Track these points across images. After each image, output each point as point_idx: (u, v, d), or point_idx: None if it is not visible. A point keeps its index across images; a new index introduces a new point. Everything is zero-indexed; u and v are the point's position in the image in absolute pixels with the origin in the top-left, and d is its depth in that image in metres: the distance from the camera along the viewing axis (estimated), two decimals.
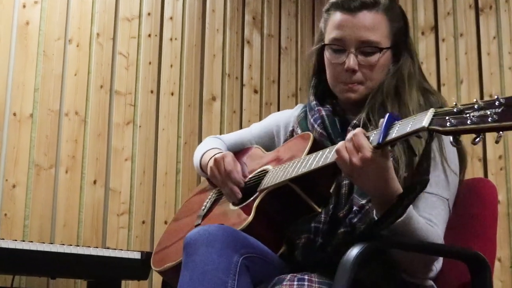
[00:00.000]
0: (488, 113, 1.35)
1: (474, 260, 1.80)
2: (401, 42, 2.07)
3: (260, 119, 5.01)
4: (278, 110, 5.21)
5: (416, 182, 1.56)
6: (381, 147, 1.58)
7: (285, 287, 1.72)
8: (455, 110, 1.42)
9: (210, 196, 2.34)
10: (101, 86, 4.30)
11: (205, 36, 4.93)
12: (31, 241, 3.30)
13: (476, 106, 1.38)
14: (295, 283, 1.73)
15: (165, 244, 2.35)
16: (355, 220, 1.82)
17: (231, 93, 4.97)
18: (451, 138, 1.42)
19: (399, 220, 1.65)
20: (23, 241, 3.27)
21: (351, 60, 1.99)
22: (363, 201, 1.83)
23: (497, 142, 1.36)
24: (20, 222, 3.83)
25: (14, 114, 3.91)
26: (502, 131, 1.33)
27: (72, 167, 4.08)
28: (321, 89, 2.17)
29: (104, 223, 4.15)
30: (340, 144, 1.67)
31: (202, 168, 2.34)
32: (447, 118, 1.42)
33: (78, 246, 3.42)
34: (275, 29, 5.42)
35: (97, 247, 3.48)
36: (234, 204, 2.11)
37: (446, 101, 2.01)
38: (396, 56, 2.06)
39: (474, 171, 4.34)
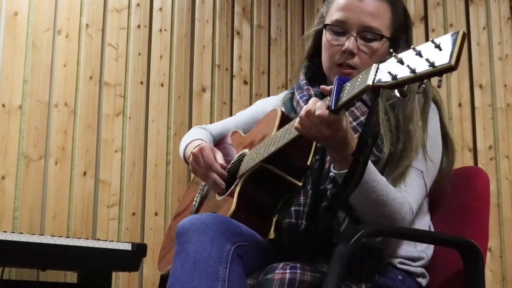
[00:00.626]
0: (425, 58, 1.32)
1: (467, 248, 1.80)
2: (401, 37, 2.08)
3: None
4: None
5: (367, 135, 1.56)
6: (336, 111, 1.60)
7: (278, 275, 1.72)
8: (396, 61, 1.40)
9: (199, 190, 2.34)
10: (91, 77, 4.28)
11: (194, 27, 4.91)
12: (21, 233, 3.28)
13: (414, 53, 1.36)
14: (288, 271, 1.72)
15: (165, 247, 2.35)
16: (330, 187, 1.83)
17: (221, 84, 4.96)
18: (396, 91, 1.41)
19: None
20: (13, 232, 3.25)
21: (351, 42, 2.00)
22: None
23: (438, 86, 1.33)
24: (10, 213, 3.81)
25: (3, 106, 3.89)
26: (440, 75, 1.30)
27: (61, 158, 4.06)
28: (312, 72, 2.17)
29: (94, 215, 4.14)
30: (299, 116, 1.69)
31: (187, 161, 2.34)
32: (388, 71, 1.41)
33: (68, 237, 3.39)
34: (265, 20, 5.41)
35: (87, 239, 3.46)
36: (220, 194, 2.11)
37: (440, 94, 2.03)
38: (393, 49, 2.06)
39: (464, 161, 4.35)
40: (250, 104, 4.98)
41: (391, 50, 1.48)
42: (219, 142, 2.38)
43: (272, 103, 2.33)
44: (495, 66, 4.44)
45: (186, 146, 2.37)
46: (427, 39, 4.41)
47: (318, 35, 2.14)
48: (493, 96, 4.40)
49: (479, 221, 2.00)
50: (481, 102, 4.44)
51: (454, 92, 4.56)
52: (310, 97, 2.06)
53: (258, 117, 2.34)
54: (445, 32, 4.69)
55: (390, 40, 2.05)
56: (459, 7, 4.71)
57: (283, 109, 2.14)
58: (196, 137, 2.38)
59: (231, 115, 4.92)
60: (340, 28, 2.03)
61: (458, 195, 2.05)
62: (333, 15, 2.06)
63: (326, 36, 2.07)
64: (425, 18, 4.87)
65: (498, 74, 4.41)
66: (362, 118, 1.92)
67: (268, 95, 5.23)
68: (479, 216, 2.01)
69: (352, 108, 1.91)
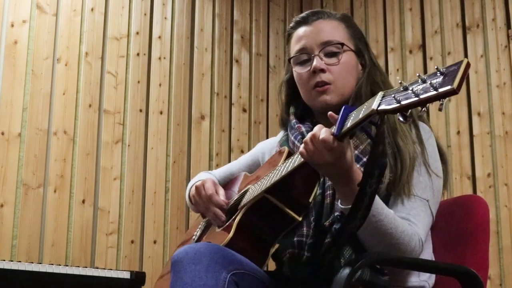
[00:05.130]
0: (429, 84, 1.36)
1: (467, 277, 1.79)
2: (363, 49, 2.12)
3: (249, 138, 5.02)
4: (267, 129, 5.23)
5: (374, 166, 1.56)
6: (340, 138, 1.61)
7: None
8: (401, 89, 1.43)
9: (200, 226, 2.34)
10: (90, 105, 4.29)
11: (193, 55, 4.93)
12: (19, 261, 3.28)
13: (419, 81, 1.40)
14: None
15: (161, 278, 2.34)
16: (338, 226, 1.82)
17: (220, 112, 4.98)
18: (399, 115, 1.43)
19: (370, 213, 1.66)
20: (11, 261, 3.24)
21: (317, 61, 2.05)
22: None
23: (440, 109, 1.37)
24: (8, 242, 3.80)
25: (2, 133, 3.89)
26: (443, 99, 1.34)
27: (60, 186, 4.06)
28: (300, 111, 2.19)
29: (93, 243, 4.13)
30: (304, 141, 1.70)
31: (191, 199, 2.34)
32: (393, 96, 1.44)
33: (66, 266, 3.38)
34: (264, 47, 5.44)
35: (86, 267, 3.45)
36: (219, 227, 2.11)
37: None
38: (362, 64, 2.11)
39: (463, 189, 4.35)
40: (249, 132, 5.01)
41: (398, 78, 1.50)
42: (226, 185, 2.38)
43: (271, 144, 2.36)
44: (493, 94, 4.45)
45: (191, 188, 2.37)
46: (425, 67, 4.45)
47: (291, 80, 2.19)
48: (491, 124, 4.41)
49: (478, 249, 2.00)
50: (480, 129, 4.45)
51: (452, 120, 4.57)
52: (301, 134, 2.08)
53: (257, 159, 2.36)
54: (443, 60, 4.72)
55: (355, 53, 2.09)
56: (456, 35, 4.73)
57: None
58: (202, 179, 2.38)
59: (230, 142, 4.93)
60: (303, 56, 2.09)
61: (457, 223, 2.05)
62: (294, 48, 2.13)
63: (296, 70, 2.12)
64: (423, 47, 4.89)
65: (496, 101, 4.43)
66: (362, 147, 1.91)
67: (267, 123, 5.24)
68: (479, 245, 2.01)
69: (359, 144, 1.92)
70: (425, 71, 4.80)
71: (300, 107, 2.19)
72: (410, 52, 4.95)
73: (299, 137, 2.08)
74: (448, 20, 4.81)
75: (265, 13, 5.54)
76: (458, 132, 4.54)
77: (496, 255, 4.17)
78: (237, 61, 5.20)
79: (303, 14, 2.15)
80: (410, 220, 1.83)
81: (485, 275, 1.93)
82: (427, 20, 4.93)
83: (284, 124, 2.24)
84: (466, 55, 4.64)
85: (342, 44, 2.05)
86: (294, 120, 2.16)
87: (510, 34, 4.50)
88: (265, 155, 2.33)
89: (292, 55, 2.13)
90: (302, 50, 2.09)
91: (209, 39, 5.05)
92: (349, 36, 2.10)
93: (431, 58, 4.81)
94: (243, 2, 5.38)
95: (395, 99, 1.42)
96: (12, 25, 4.06)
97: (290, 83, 2.19)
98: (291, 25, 2.17)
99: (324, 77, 2.03)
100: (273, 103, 5.34)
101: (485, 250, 2.00)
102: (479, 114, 4.48)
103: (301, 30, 2.11)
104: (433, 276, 1.96)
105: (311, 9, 2.17)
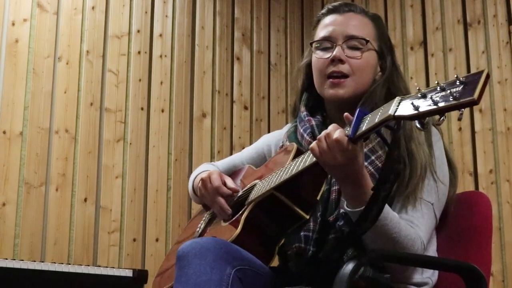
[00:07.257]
0: (449, 92, 1.35)
1: (470, 273, 1.79)
2: (386, 52, 2.11)
3: (251, 135, 5.02)
4: (268, 126, 5.23)
5: (389, 172, 1.56)
6: (354, 140, 1.60)
7: None
8: (419, 95, 1.43)
9: (204, 218, 2.33)
10: (91, 104, 4.29)
11: (194, 53, 4.93)
12: (22, 260, 3.28)
13: (438, 88, 1.39)
14: None
15: (163, 269, 2.33)
16: (341, 223, 1.82)
17: (221, 109, 4.97)
18: (417, 122, 1.43)
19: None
20: (14, 259, 3.24)
21: (338, 51, 2.03)
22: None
23: (459, 119, 1.38)
24: (10, 240, 3.80)
25: (4, 132, 3.89)
26: (462, 108, 1.34)
27: (62, 185, 4.06)
28: (312, 103, 2.18)
29: (95, 241, 4.13)
30: (318, 138, 1.69)
31: (195, 192, 2.33)
32: (411, 103, 1.43)
33: (69, 264, 3.39)
34: (265, 45, 5.43)
35: (88, 265, 3.46)
36: (225, 220, 2.11)
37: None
38: (382, 66, 2.09)
39: (465, 185, 4.35)
40: (251, 129, 5.00)
41: (415, 84, 1.49)
42: (230, 176, 2.38)
43: (276, 137, 2.34)
44: (494, 90, 4.45)
45: (194, 179, 2.36)
46: (426, 64, 4.43)
47: (309, 66, 2.17)
48: (493, 120, 4.41)
49: (481, 246, 1.99)
50: (481, 126, 4.45)
51: (454, 117, 4.57)
52: (311, 128, 2.07)
53: (262, 152, 2.35)
54: (445, 57, 4.71)
55: (377, 54, 2.08)
56: (458, 31, 4.73)
57: (287, 143, 2.15)
58: (205, 170, 2.38)
59: (231, 140, 4.93)
60: (327, 43, 2.07)
61: (460, 219, 2.04)
62: (319, 33, 2.11)
63: (315, 55, 2.10)
64: (424, 43, 4.89)
65: (498, 98, 4.42)
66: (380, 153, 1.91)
67: (268, 120, 5.24)
68: (481, 241, 2.00)
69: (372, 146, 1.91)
70: (426, 68, 4.80)
71: (312, 98, 2.17)
72: (411, 48, 4.95)
73: (308, 130, 2.07)
74: (449, 16, 4.80)
75: (266, 10, 5.54)
76: (460, 129, 4.54)
77: (499, 251, 4.17)
78: (238, 58, 5.20)
79: (335, 4, 2.14)
80: (413, 222, 1.82)
81: (487, 270, 1.93)
82: (428, 17, 4.92)
83: (295, 111, 2.23)
84: (467, 52, 4.64)
85: (367, 41, 2.04)
86: (305, 112, 2.14)
87: (511, 30, 4.49)
88: (271, 148, 2.32)
89: (315, 39, 2.12)
90: (326, 37, 2.07)
91: (210, 37, 5.05)
92: (376, 37, 2.09)
93: (432, 55, 4.81)
94: (244, 0, 5.37)
95: (413, 105, 1.41)
96: (13, 24, 4.06)
97: (307, 70, 2.17)
98: (322, 11, 2.16)
99: (342, 68, 2.02)
100: (274, 100, 5.34)
101: (487, 246, 2.00)
102: (480, 110, 4.47)
103: (331, 18, 2.10)
104: (436, 273, 1.96)
105: (312, 5, 2.17)
